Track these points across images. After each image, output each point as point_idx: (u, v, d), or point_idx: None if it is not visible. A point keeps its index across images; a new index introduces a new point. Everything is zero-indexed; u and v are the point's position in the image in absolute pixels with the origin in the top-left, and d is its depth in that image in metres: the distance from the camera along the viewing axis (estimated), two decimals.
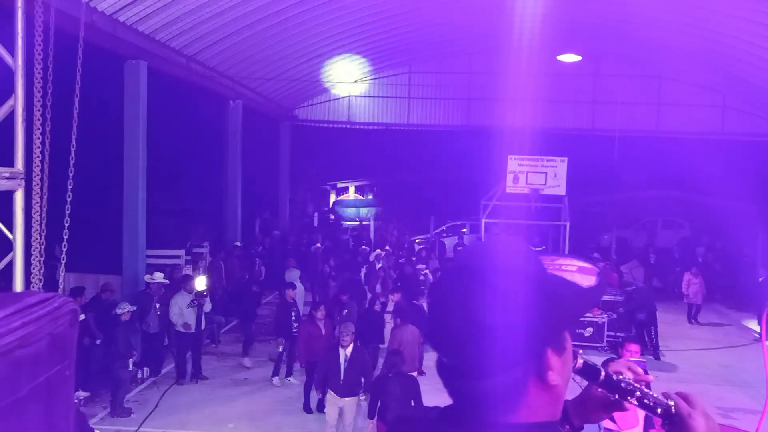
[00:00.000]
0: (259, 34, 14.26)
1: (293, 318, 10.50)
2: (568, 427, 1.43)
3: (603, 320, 13.11)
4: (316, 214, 23.87)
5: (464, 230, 24.52)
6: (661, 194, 25.89)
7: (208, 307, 11.11)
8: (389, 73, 21.46)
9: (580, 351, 1.29)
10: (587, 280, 1.15)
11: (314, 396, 9.16)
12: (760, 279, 15.57)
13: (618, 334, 12.80)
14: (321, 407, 8.91)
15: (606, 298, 13.75)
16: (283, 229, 20.41)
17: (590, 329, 13.08)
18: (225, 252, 15.43)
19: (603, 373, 1.31)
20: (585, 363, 1.28)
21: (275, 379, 10.52)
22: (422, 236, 23.96)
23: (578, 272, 1.17)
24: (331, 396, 8.07)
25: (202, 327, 11.07)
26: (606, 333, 13.00)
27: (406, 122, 22.00)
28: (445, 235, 24.53)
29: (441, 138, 23.52)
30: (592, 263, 1.20)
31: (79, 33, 5.76)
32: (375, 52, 19.03)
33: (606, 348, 12.68)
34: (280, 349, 10.51)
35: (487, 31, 18.01)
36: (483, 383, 1.02)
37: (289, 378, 10.59)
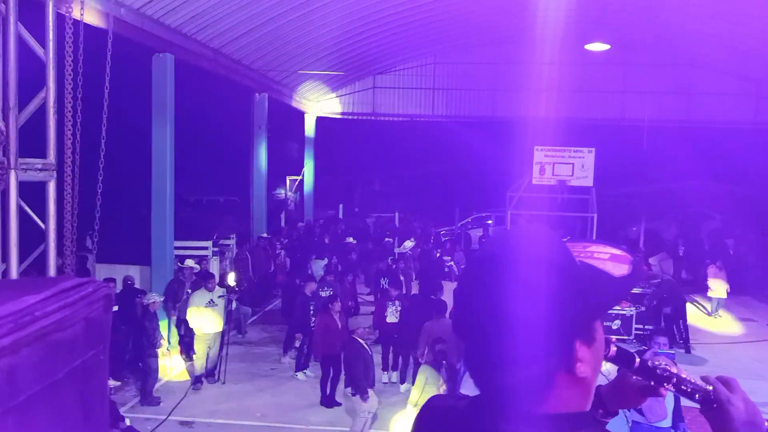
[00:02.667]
0: (283, 27, 14.30)
1: (311, 312, 10.43)
2: (601, 411, 1.41)
3: (631, 313, 12.93)
4: (341, 205, 23.91)
5: (490, 222, 24.37)
6: (691, 185, 25.38)
7: (233, 304, 10.85)
8: (414, 64, 21.36)
9: (613, 338, 1.27)
10: (619, 269, 1.12)
11: (339, 389, 9.03)
12: None
13: (646, 327, 12.62)
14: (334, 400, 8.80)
15: (634, 290, 13.57)
16: (308, 221, 20.51)
17: (618, 322, 12.92)
18: (251, 244, 15.57)
19: (638, 360, 1.29)
20: (619, 350, 1.26)
21: (299, 374, 10.52)
22: (447, 228, 23.89)
23: (610, 260, 1.14)
24: (371, 392, 8.00)
25: (225, 326, 10.36)
26: (634, 326, 12.82)
27: (431, 113, 21.90)
28: (470, 226, 24.41)
29: (466, 129, 23.37)
30: (625, 251, 1.17)
31: (108, 27, 5.80)
32: (400, 42, 18.95)
33: (634, 341, 12.51)
34: (298, 344, 10.56)
35: (513, 21, 17.79)
36: (510, 375, 1.01)
37: (304, 371, 10.51)
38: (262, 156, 17.35)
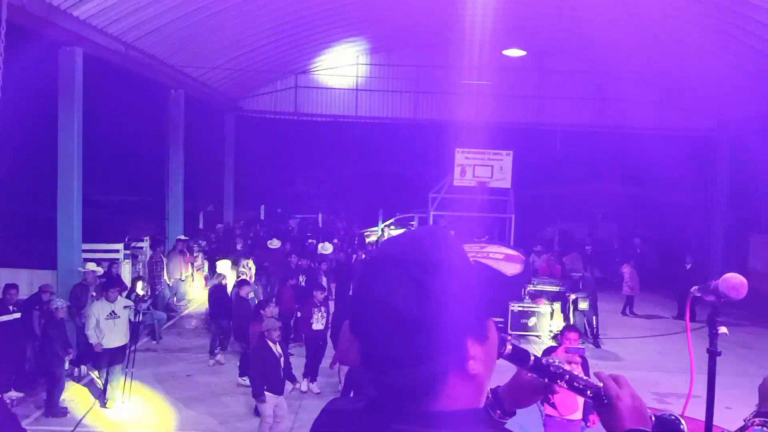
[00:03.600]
0: (201, 22, 13.90)
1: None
2: (499, 411, 1.44)
3: (546, 311, 13.39)
4: (263, 206, 23.53)
5: (413, 223, 24.67)
6: (601, 187, 26.65)
7: (139, 316, 9.86)
8: (336, 64, 21.29)
9: (509, 336, 1.29)
10: (512, 268, 1.16)
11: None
12: (687, 266, 16.27)
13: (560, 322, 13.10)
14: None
15: (549, 288, 14.09)
16: (227, 223, 20.04)
17: (534, 319, 13.36)
18: (166, 246, 15.04)
19: (532, 358, 1.32)
20: (514, 348, 1.29)
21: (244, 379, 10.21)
22: (371, 229, 23.98)
23: (504, 260, 1.19)
24: (269, 396, 7.73)
25: (130, 340, 9.39)
26: (549, 322, 13.28)
27: (354, 114, 21.90)
28: (393, 227, 24.61)
29: (389, 130, 23.55)
30: (518, 251, 1.20)
31: (2, 15, 5.44)
32: (322, 42, 18.85)
33: (549, 337, 12.96)
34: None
35: (434, 25, 18.09)
36: (404, 374, 1.01)
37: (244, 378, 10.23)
38: (177, 155, 16.80)
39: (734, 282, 1.86)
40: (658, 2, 13.74)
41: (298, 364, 9.67)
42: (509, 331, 13.31)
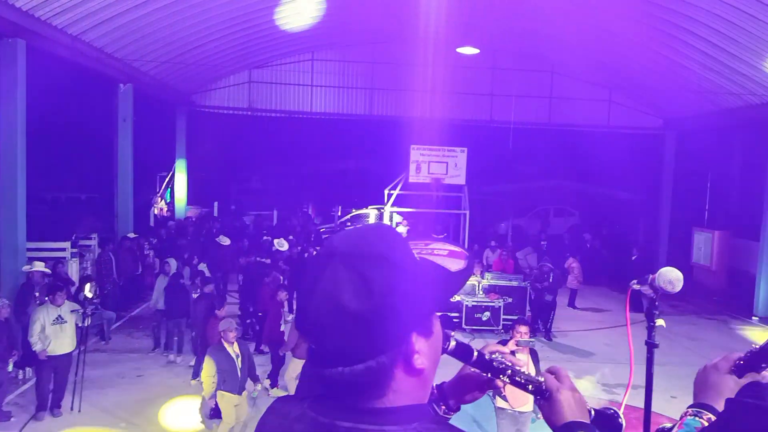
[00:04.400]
0: (151, 15, 13.57)
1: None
2: (444, 407, 1.46)
3: (500, 305, 13.62)
4: (215, 203, 23.16)
5: (368, 220, 24.68)
6: (553, 184, 27.23)
7: (87, 320, 9.18)
8: (291, 60, 21.11)
9: (452, 332, 1.31)
10: (456, 264, 1.17)
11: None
12: (633, 258, 16.80)
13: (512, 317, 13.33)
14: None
15: (502, 282, 14.33)
16: (179, 220, 19.65)
17: (487, 313, 13.56)
18: (115, 244, 14.65)
19: (476, 353, 1.35)
20: (458, 343, 1.31)
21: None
22: (327, 225, 23.90)
23: (449, 256, 1.19)
24: (228, 396, 7.67)
25: (78, 346, 8.96)
26: (502, 317, 13.51)
27: (309, 110, 21.76)
28: (350, 224, 24.58)
29: (345, 127, 23.51)
30: (462, 247, 1.23)
31: None
32: (276, 37, 18.65)
33: (502, 331, 13.18)
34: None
35: (389, 22, 18.11)
36: (349, 370, 1.02)
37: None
38: (127, 151, 16.37)
39: (670, 276, 1.92)
40: (606, 1, 14.08)
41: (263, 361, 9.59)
42: (464, 326, 13.51)
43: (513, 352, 1.48)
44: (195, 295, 10.80)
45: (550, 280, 14.03)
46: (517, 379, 1.35)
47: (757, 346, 1.45)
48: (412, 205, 20.42)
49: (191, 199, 21.92)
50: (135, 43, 14.60)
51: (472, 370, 1.38)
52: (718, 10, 12.65)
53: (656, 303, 1.95)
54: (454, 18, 15.71)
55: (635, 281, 2.00)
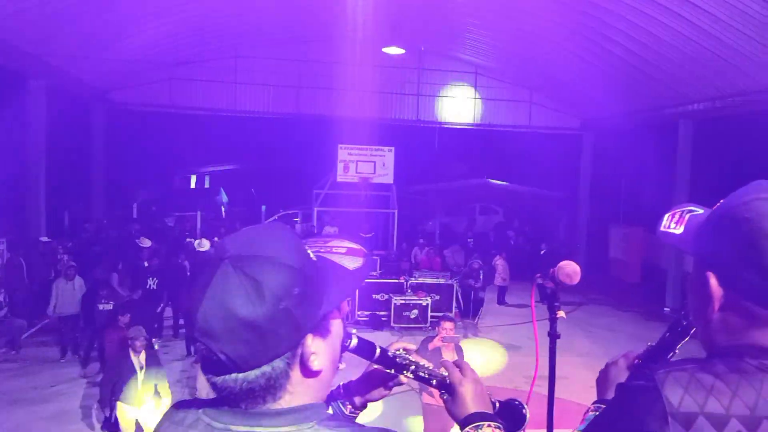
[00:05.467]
0: (66, 6, 12.91)
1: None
2: (350, 406, 1.45)
3: (427, 302, 13.79)
4: (135, 204, 22.31)
5: (296, 219, 24.48)
6: (479, 182, 27.88)
7: None
8: (214, 57, 20.60)
9: (353, 330, 1.30)
10: (355, 262, 1.17)
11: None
12: (542, 252, 17.42)
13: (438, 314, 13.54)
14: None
15: (429, 280, 14.52)
16: (97, 222, 18.82)
17: (415, 311, 13.71)
18: (25, 248, 13.86)
19: (378, 350, 1.34)
20: (359, 341, 1.30)
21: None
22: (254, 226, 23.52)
23: (347, 254, 1.18)
24: (126, 408, 7.31)
25: None
26: (430, 314, 13.69)
27: (234, 108, 21.31)
28: None
29: (272, 125, 23.20)
30: (361, 244, 1.22)
31: None
32: (198, 33, 18.17)
33: (430, 328, 13.35)
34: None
35: (316, 20, 17.99)
36: (243, 377, 1.00)
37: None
38: (38, 149, 15.52)
39: (568, 270, 1.99)
40: (525, 3, 14.51)
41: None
42: (392, 324, 13.61)
43: (436, 349, 1.48)
44: (101, 306, 10.34)
45: (480, 276, 14.34)
46: (420, 374, 1.36)
47: (653, 344, 1.53)
48: (340, 204, 20.41)
49: (110, 200, 21.04)
50: (47, 36, 13.85)
51: (376, 367, 1.38)
52: (631, 16, 13.27)
53: (557, 295, 2.02)
54: (379, 18, 15.79)
55: (538, 275, 2.07)
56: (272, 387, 1.02)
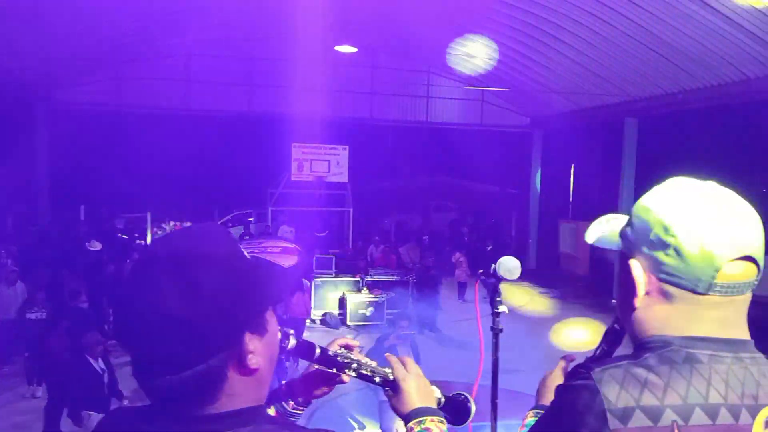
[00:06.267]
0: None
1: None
2: (293, 403, 1.47)
3: (383, 300, 13.86)
4: (82, 206, 21.67)
5: (251, 219, 24.22)
6: (433, 180, 28.12)
7: None
8: (166, 54, 20.16)
9: (291, 331, 1.32)
10: (289, 260, 1.18)
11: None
12: (489, 248, 17.70)
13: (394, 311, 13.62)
14: None
15: (385, 278, 14.61)
16: (42, 224, 18.22)
17: (371, 309, 13.76)
18: None
19: (318, 351, 1.36)
20: (298, 342, 1.32)
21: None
22: None
23: (281, 253, 1.20)
24: (94, 415, 7.02)
25: None
26: (386, 311, 13.76)
27: (185, 107, 20.91)
28: (230, 225, 23.97)
29: (224, 124, 22.85)
30: (295, 244, 1.25)
31: None
32: (146, 30, 17.76)
33: (386, 325, 13.41)
34: None
35: (267, 19, 17.81)
36: (177, 378, 0.98)
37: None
38: None
39: (509, 265, 2.07)
40: (469, 2, 14.70)
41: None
42: (348, 323, 13.62)
43: (393, 345, 1.52)
44: (32, 315, 9.77)
45: (432, 272, 14.48)
46: (363, 372, 1.38)
47: (590, 355, 1.59)
48: (295, 203, 20.28)
49: (56, 202, 20.38)
50: None
51: (317, 367, 1.39)
52: (576, 15, 13.61)
53: (498, 290, 2.09)
54: (331, 16, 15.74)
55: (481, 271, 2.13)
56: (208, 388, 1.00)
